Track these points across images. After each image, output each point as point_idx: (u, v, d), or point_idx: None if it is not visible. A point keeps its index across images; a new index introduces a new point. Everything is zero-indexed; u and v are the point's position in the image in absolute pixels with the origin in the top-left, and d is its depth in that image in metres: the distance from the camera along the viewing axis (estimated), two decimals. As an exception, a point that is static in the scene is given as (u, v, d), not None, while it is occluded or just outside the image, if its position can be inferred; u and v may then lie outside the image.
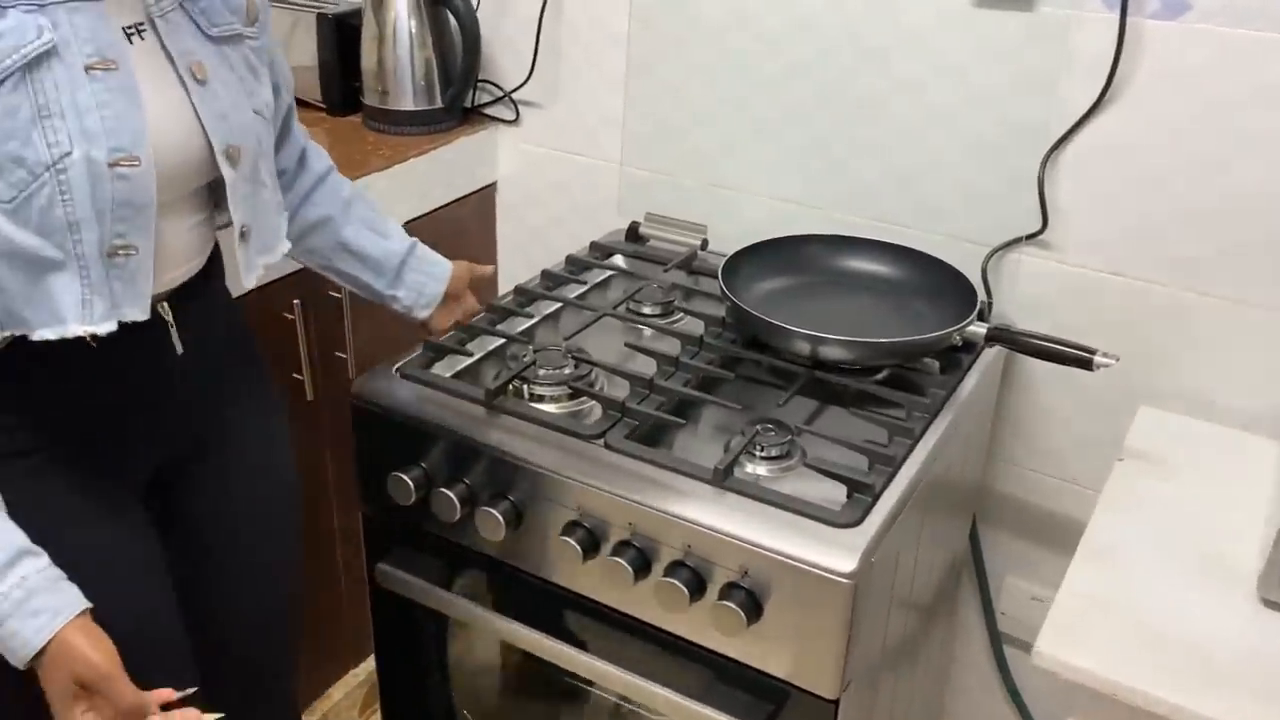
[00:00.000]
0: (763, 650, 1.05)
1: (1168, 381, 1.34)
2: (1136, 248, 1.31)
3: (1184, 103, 1.22)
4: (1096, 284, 1.35)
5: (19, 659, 0.86)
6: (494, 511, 1.13)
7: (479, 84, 1.74)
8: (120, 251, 0.88)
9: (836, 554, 0.98)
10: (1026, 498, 1.51)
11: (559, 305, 1.44)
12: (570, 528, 1.11)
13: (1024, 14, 1.28)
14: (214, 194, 1.03)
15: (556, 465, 1.11)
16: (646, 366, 1.27)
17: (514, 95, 1.72)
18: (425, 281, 1.26)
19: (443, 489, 1.16)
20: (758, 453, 1.12)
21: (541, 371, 1.24)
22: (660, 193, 1.63)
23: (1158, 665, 0.96)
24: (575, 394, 1.23)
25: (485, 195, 1.80)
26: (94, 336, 0.89)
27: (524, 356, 1.26)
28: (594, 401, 1.22)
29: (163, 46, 0.92)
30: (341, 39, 1.69)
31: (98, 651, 0.86)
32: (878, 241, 1.41)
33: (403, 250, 1.24)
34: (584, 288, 1.50)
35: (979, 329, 1.23)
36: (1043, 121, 1.31)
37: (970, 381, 1.28)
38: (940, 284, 1.35)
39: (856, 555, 0.98)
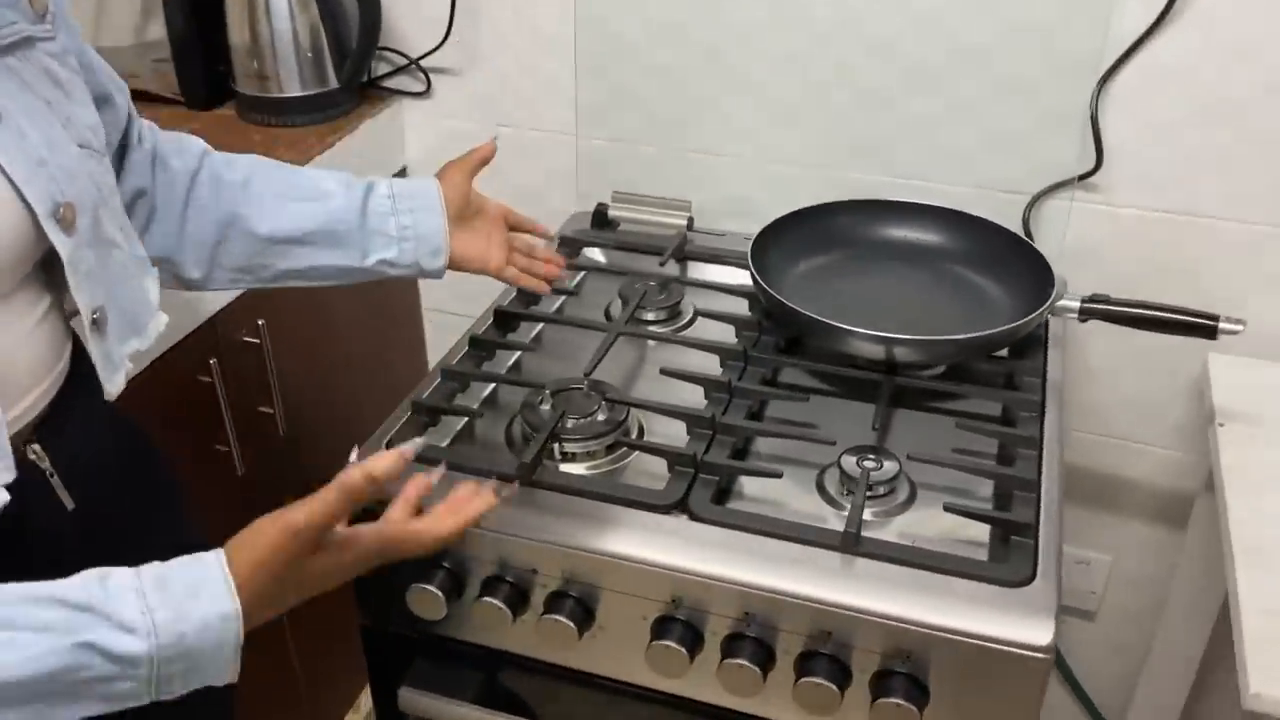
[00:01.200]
0: (931, 744, 0.87)
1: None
2: (1198, 183, 1.16)
3: (1253, 18, 1.07)
4: (1153, 226, 1.20)
5: (234, 633, 0.63)
6: (560, 618, 0.90)
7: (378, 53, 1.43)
8: None
9: (1027, 624, 0.80)
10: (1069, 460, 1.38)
11: (539, 326, 1.19)
12: (664, 625, 0.89)
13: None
14: (50, 271, 0.73)
15: (632, 549, 0.88)
16: (685, 395, 1.04)
17: (422, 63, 1.41)
18: (412, 221, 0.94)
19: (488, 599, 0.91)
20: (869, 495, 0.93)
21: (570, 424, 0.99)
22: (626, 166, 1.38)
23: (1387, 687, 0.83)
24: (614, 447, 1.00)
25: (396, 185, 1.50)
26: None
27: (541, 405, 1.01)
28: (635, 453, 0.99)
29: None
30: (200, 11, 1.33)
31: (272, 528, 0.66)
32: (914, 204, 1.22)
33: (356, 199, 0.93)
34: (559, 299, 1.25)
35: (1072, 303, 1.06)
36: (1094, 50, 1.13)
37: (1054, 361, 1.12)
38: (994, 248, 1.17)
39: (1050, 622, 0.80)
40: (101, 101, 0.82)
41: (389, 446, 0.99)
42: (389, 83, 1.44)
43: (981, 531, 0.92)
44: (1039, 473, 0.94)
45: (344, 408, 1.45)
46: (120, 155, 0.87)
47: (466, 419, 1.05)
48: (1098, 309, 1.06)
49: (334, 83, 1.37)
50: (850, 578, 0.85)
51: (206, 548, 0.65)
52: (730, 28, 1.26)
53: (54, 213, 0.67)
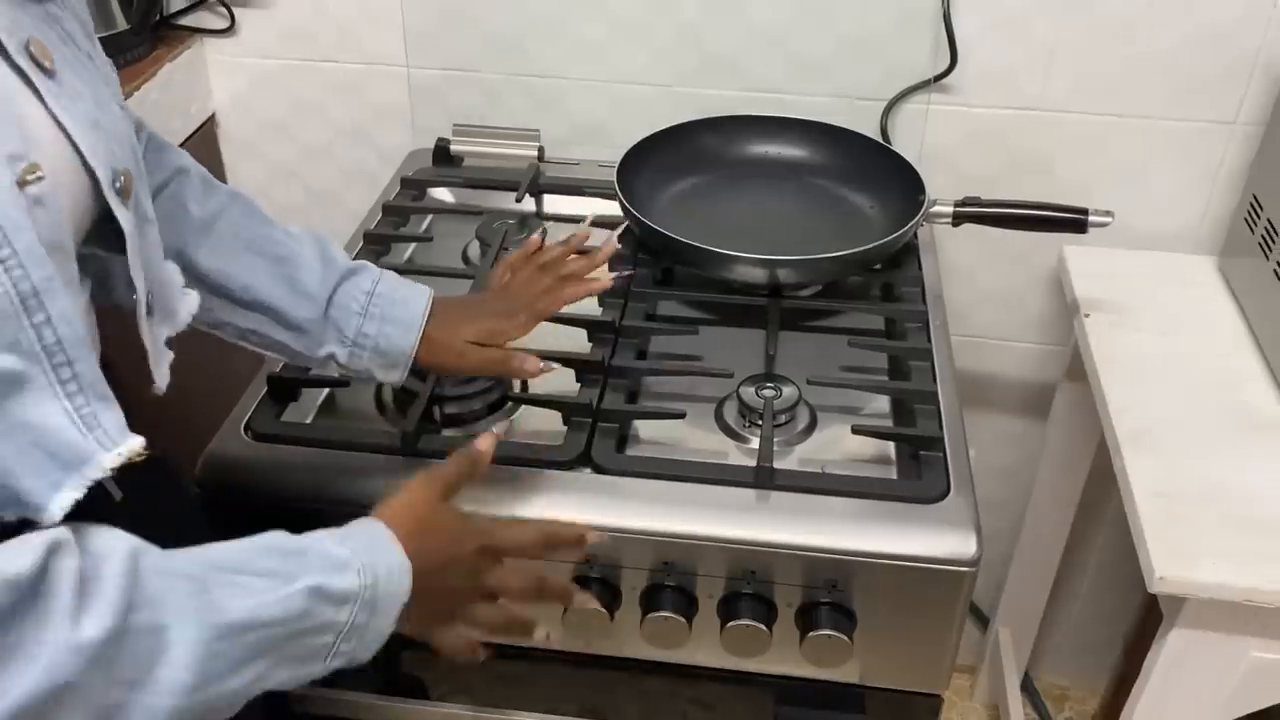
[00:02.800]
0: (860, 667, 0.85)
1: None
2: (1048, 76, 1.17)
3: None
4: (1006, 123, 1.20)
5: (407, 586, 0.63)
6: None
7: (167, -14, 1.26)
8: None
9: (951, 538, 0.80)
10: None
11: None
12: (579, 586, 0.83)
13: None
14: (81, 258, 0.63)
15: (539, 511, 0.82)
16: (570, 342, 0.98)
17: (222, -5, 1.26)
18: (375, 333, 0.80)
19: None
20: (777, 426, 0.90)
21: (449, 384, 0.92)
22: (464, 96, 1.28)
23: (1275, 553, 0.87)
24: (498, 404, 0.93)
25: (204, 136, 1.35)
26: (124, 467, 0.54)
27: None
28: (520, 408, 0.93)
29: None
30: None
31: None
32: (775, 119, 1.18)
33: (329, 280, 0.80)
34: (409, 247, 1.15)
35: (945, 209, 1.05)
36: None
37: (928, 267, 1.11)
38: (858, 158, 1.15)
39: (972, 534, 0.80)
40: None
41: (249, 434, 0.89)
42: (186, 20, 1.28)
43: (887, 449, 0.90)
44: (935, 383, 0.93)
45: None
46: None
47: (328, 390, 0.96)
48: (971, 212, 1.05)
49: (122, 23, 1.21)
50: (767, 513, 0.82)
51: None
52: (565, -61, 1.17)
53: (114, 181, 0.59)
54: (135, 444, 0.55)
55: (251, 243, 0.79)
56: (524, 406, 0.93)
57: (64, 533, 0.51)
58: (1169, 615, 0.92)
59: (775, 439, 0.88)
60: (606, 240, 0.91)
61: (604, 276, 0.87)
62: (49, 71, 0.55)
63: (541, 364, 0.81)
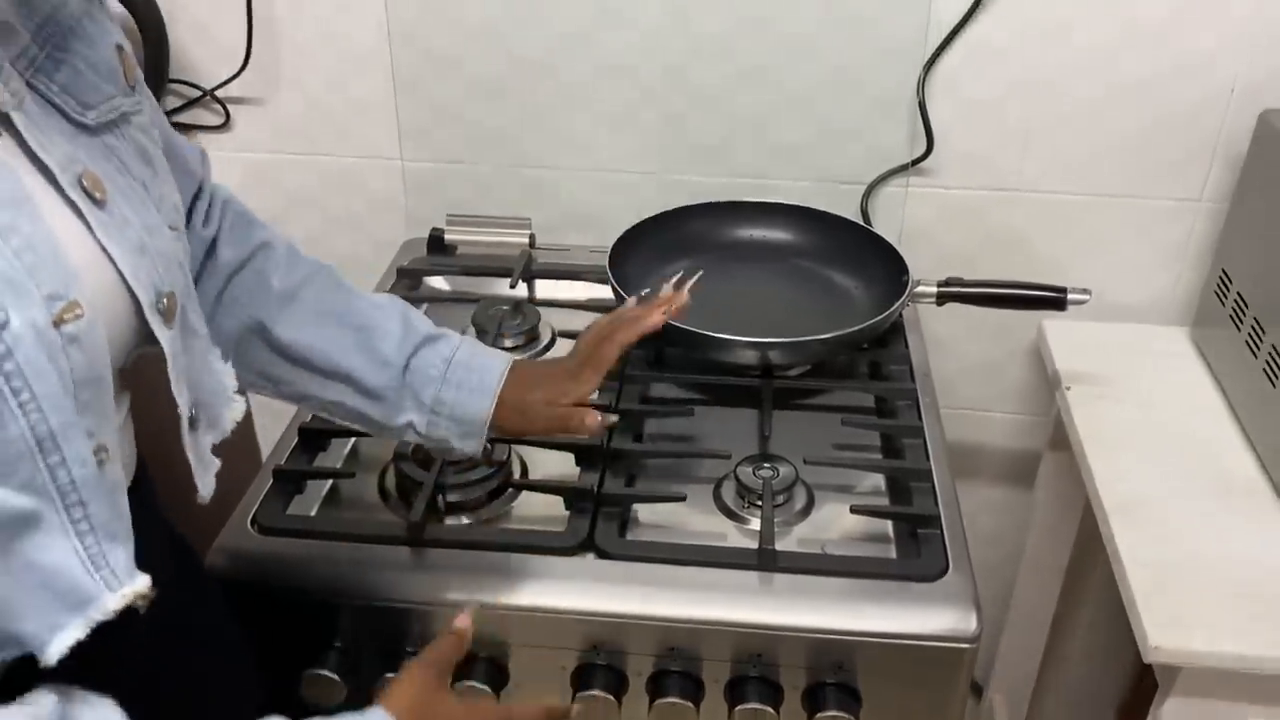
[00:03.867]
0: (865, 745, 0.86)
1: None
2: (1021, 157, 1.22)
3: (1060, 1, 1.12)
4: (982, 203, 1.25)
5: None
6: (474, 684, 0.84)
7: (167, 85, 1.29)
8: (99, 456, 0.55)
9: (952, 616, 0.81)
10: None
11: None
12: (586, 674, 0.84)
13: (881, -82, 1.11)
14: (124, 374, 0.65)
15: (545, 598, 0.83)
16: (568, 424, 1.00)
17: (218, 93, 1.29)
18: (453, 400, 0.80)
19: (390, 676, 0.84)
20: (776, 507, 0.92)
21: (451, 472, 0.93)
22: (457, 187, 1.32)
23: (1266, 619, 0.89)
24: (498, 491, 0.94)
25: (199, 227, 1.37)
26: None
27: (413, 454, 0.94)
28: (520, 494, 0.94)
29: (27, 152, 0.55)
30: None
31: None
32: (760, 204, 1.22)
33: (406, 348, 0.81)
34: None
35: (929, 289, 1.09)
36: (917, 37, 1.16)
37: (914, 345, 1.14)
38: (842, 240, 1.19)
39: (972, 611, 0.82)
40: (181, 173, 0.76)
41: (254, 528, 0.90)
42: (181, 117, 1.31)
43: (885, 527, 0.92)
44: (929, 461, 0.96)
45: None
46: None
47: (332, 481, 0.97)
48: (954, 292, 1.08)
49: (119, 121, 1.24)
50: (770, 595, 0.84)
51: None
52: (553, 36, 1.21)
53: (156, 303, 0.61)
54: (141, 585, 0.56)
55: (332, 313, 0.81)
56: (526, 492, 0.95)
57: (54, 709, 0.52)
58: (1164, 684, 0.93)
59: (774, 519, 0.90)
60: (665, 287, 0.92)
61: (654, 315, 0.87)
62: (100, 202, 0.57)
63: (601, 417, 0.83)
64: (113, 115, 0.61)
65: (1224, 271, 1.16)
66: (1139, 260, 1.26)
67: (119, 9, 1.18)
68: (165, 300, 0.61)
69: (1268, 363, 1.04)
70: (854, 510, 0.90)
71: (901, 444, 0.99)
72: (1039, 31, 1.14)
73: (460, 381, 0.80)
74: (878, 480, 0.98)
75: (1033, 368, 1.34)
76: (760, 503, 0.90)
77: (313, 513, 0.94)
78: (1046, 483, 1.35)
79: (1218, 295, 1.17)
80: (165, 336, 0.61)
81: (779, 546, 0.86)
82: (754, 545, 0.86)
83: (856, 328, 1.03)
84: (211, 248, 0.80)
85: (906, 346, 1.13)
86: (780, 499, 0.93)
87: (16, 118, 0.54)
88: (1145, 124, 1.17)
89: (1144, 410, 1.13)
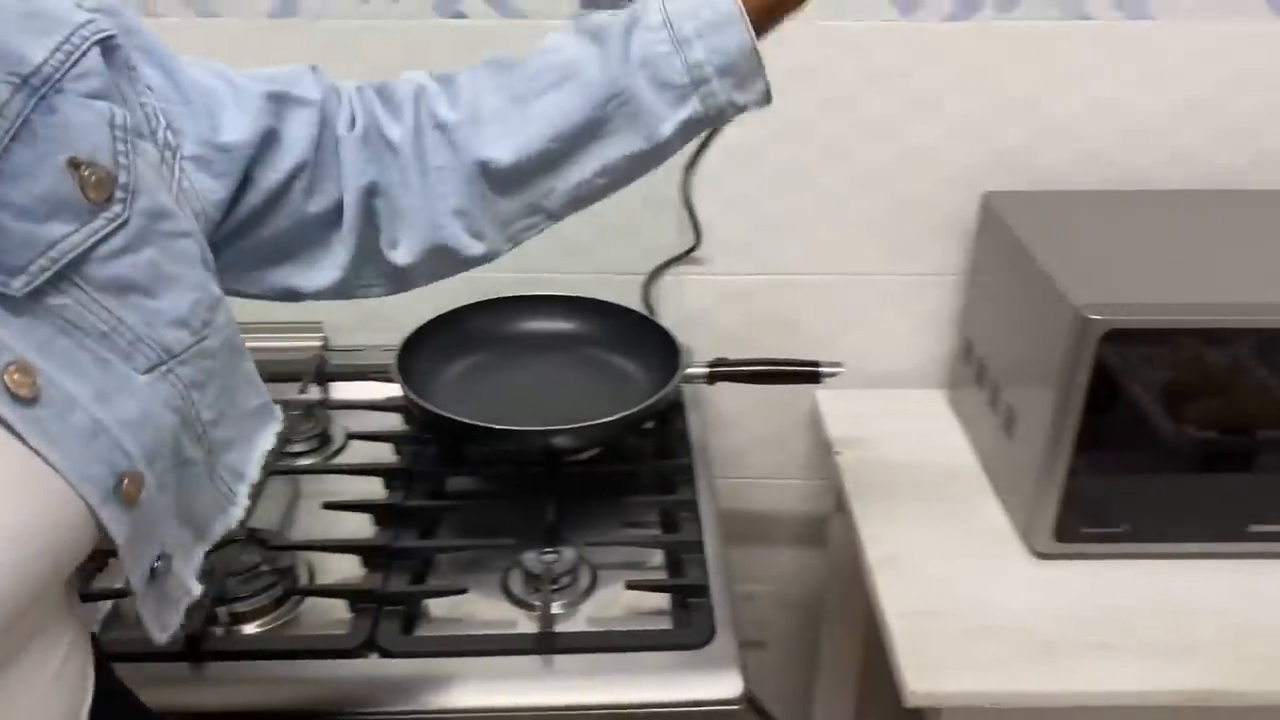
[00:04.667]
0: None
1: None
2: (780, 242, 1.32)
3: (805, 97, 1.24)
4: (751, 286, 1.34)
5: None
6: (259, 794, 0.84)
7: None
8: None
9: (716, 681, 0.87)
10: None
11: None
12: (375, 773, 0.86)
13: (634, 31, 1.20)
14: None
15: (325, 703, 0.85)
16: (356, 528, 1.02)
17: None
18: (705, 54, 0.67)
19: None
20: (554, 589, 0.95)
21: (233, 582, 0.94)
22: (245, 296, 1.33)
23: (1021, 656, 0.97)
24: (284, 598, 0.95)
25: None
26: None
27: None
28: (312, 599, 0.95)
29: None
30: None
31: None
32: (545, 296, 1.27)
33: (614, 54, 0.68)
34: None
35: (699, 370, 1.16)
36: (677, 139, 1.25)
37: (694, 422, 1.21)
38: (623, 327, 1.25)
39: (736, 673, 0.87)
40: (263, 150, 0.65)
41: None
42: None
43: (665, 600, 0.97)
44: (701, 533, 1.02)
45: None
46: (323, 163, 0.68)
47: (113, 601, 0.95)
48: (721, 371, 1.16)
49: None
50: (551, 677, 0.87)
51: None
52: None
53: (114, 490, 0.51)
54: None
55: (523, 93, 0.69)
56: (310, 598, 0.96)
57: None
58: (931, 726, 1.01)
59: (559, 602, 0.94)
60: None
61: None
62: (30, 401, 0.47)
63: None
64: (53, 270, 0.49)
65: (968, 339, 1.28)
66: (897, 331, 1.37)
67: None
68: (127, 482, 0.51)
69: (1005, 418, 1.15)
70: (629, 586, 0.95)
71: (678, 518, 1.04)
72: (785, 132, 1.25)
73: (697, 30, 0.67)
74: (661, 554, 1.03)
75: (816, 435, 1.43)
76: (543, 588, 0.94)
77: (95, 631, 0.92)
78: (836, 543, 1.43)
79: (963, 360, 1.29)
80: (123, 523, 0.51)
81: (566, 628, 0.90)
82: (537, 630, 0.89)
83: (633, 410, 1.09)
84: (369, 139, 0.69)
85: (686, 424, 1.20)
86: (564, 581, 0.97)
87: None
88: (887, 208, 1.29)
89: (906, 469, 1.23)
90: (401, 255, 0.72)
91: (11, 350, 0.47)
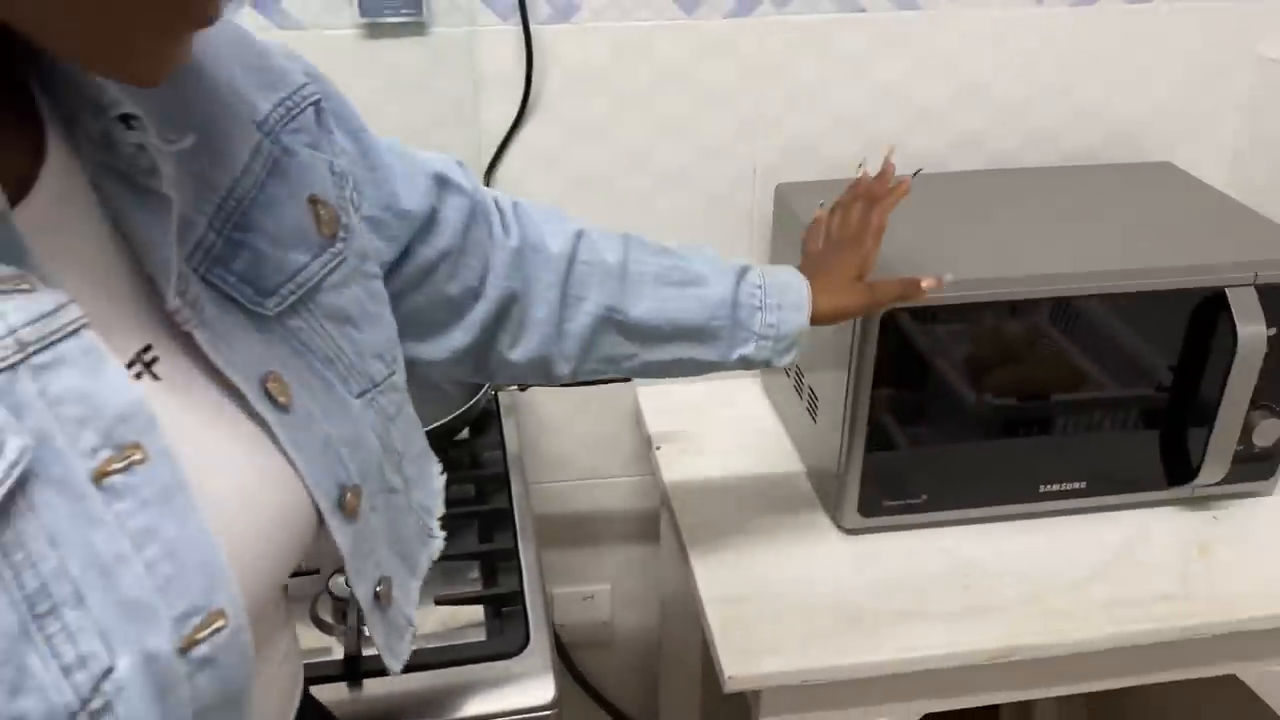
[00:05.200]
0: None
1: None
2: (590, 245, 1.32)
3: (598, 98, 1.24)
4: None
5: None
6: None
7: None
8: None
9: (530, 688, 0.87)
10: (544, 510, 1.49)
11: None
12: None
13: (420, 38, 1.19)
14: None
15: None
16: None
17: None
18: (777, 320, 0.86)
19: None
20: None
21: None
22: None
23: (833, 632, 1.00)
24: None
25: None
26: None
27: None
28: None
29: (207, 370, 0.50)
30: None
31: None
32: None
33: (729, 288, 0.85)
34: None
35: (510, 378, 1.15)
36: (472, 145, 1.24)
37: (509, 430, 1.20)
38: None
39: (549, 679, 0.87)
40: (425, 226, 0.72)
41: None
42: None
43: (479, 612, 0.96)
44: (515, 542, 1.01)
45: None
46: (471, 270, 0.76)
47: None
48: (534, 378, 1.16)
49: None
50: (364, 703, 0.85)
51: None
52: None
53: (340, 501, 0.56)
54: None
55: (663, 275, 0.83)
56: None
57: None
58: (754, 708, 1.03)
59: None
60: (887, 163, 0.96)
61: (902, 186, 0.94)
62: (284, 407, 0.52)
63: (936, 279, 0.90)
64: (297, 295, 0.55)
65: (775, 326, 1.31)
66: (710, 324, 1.39)
67: None
68: (349, 495, 0.56)
69: (809, 402, 1.18)
70: (439, 601, 0.94)
71: (493, 528, 1.03)
72: (583, 134, 1.25)
73: (779, 302, 0.86)
74: (477, 566, 1.02)
75: (639, 433, 1.44)
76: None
77: None
78: (667, 537, 1.45)
79: (772, 348, 1.32)
80: (346, 534, 0.56)
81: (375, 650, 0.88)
82: (343, 656, 0.87)
83: (442, 421, 1.08)
84: (526, 249, 0.78)
85: (501, 433, 1.19)
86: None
87: (199, 335, 0.49)
88: (690, 205, 1.31)
89: (724, 458, 1.25)
90: (516, 354, 0.81)
91: (267, 363, 0.53)
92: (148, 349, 0.48)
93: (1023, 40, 1.28)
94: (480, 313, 0.77)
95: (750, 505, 1.17)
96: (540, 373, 0.84)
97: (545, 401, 1.37)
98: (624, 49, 1.22)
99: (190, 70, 0.53)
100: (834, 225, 0.94)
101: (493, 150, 1.24)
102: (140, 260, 0.49)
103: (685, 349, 0.86)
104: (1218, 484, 1.12)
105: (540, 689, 0.86)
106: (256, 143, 0.55)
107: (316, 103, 0.61)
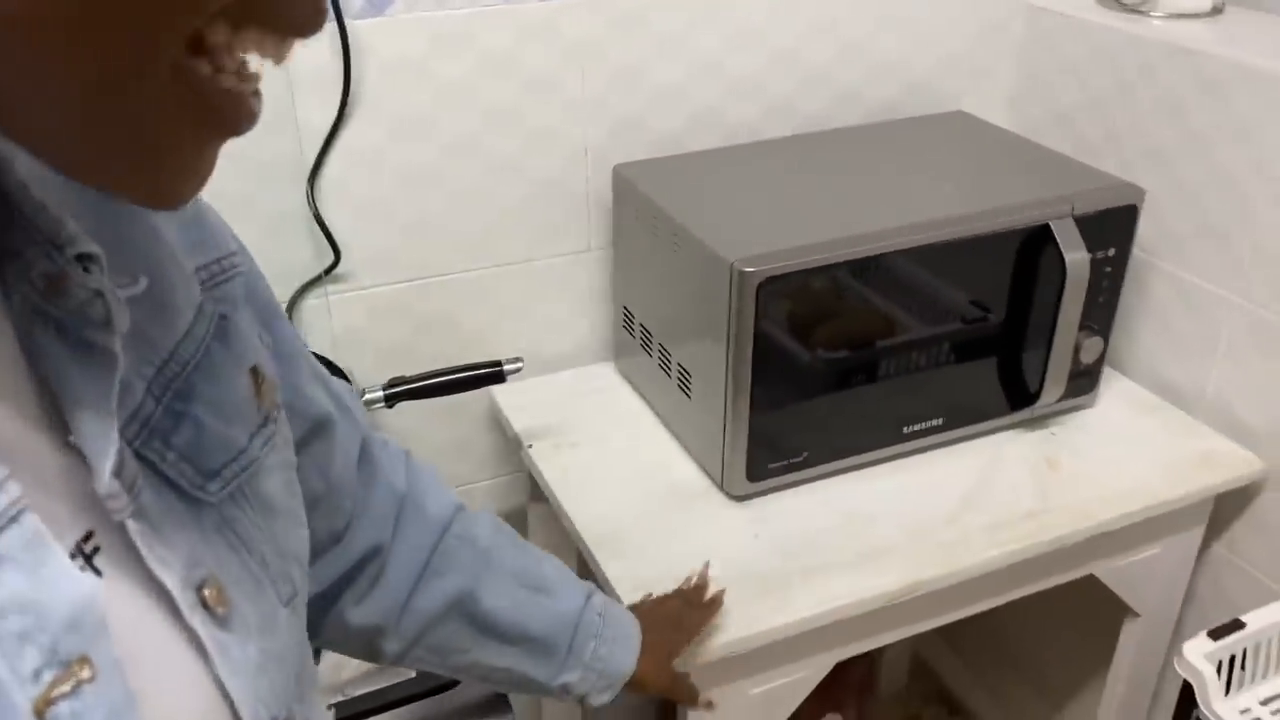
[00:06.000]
0: None
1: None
2: (422, 246, 1.27)
3: (420, 91, 1.19)
4: (402, 296, 1.28)
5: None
6: None
7: None
8: None
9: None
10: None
11: None
12: None
13: (221, 43, 1.09)
14: None
15: None
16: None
17: None
18: (608, 654, 0.83)
19: None
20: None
21: None
22: None
23: (742, 600, 1.01)
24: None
25: None
26: None
27: None
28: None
29: (143, 569, 0.41)
30: None
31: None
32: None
33: (575, 607, 0.81)
34: None
35: (376, 394, 1.09)
36: (293, 152, 1.16)
37: (376, 450, 1.14)
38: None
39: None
40: (315, 431, 0.64)
41: None
42: None
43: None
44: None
45: None
46: (346, 491, 0.68)
47: None
48: (401, 391, 1.10)
49: None
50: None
51: None
52: None
53: None
54: None
55: (524, 575, 0.78)
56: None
57: None
58: (678, 688, 1.03)
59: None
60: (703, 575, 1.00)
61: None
62: (222, 619, 0.43)
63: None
64: (240, 479, 0.47)
65: (625, 308, 1.30)
66: (556, 314, 1.37)
67: None
68: None
69: (679, 379, 1.19)
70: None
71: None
72: (405, 131, 1.20)
73: (614, 635, 0.82)
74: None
75: (497, 434, 1.41)
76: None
77: None
78: (538, 535, 1.42)
79: (625, 329, 1.31)
80: None
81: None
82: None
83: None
84: (407, 505, 0.72)
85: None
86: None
87: (132, 526, 0.40)
88: (523, 194, 1.28)
89: (597, 446, 1.24)
90: (356, 616, 0.72)
91: (204, 564, 0.43)
92: (88, 537, 0.39)
93: (823, 8, 1.33)
94: (339, 560, 0.70)
95: (637, 489, 1.17)
96: (364, 645, 0.76)
97: (395, 416, 1.31)
98: (442, 39, 1.17)
99: (131, 208, 0.45)
100: (661, 606, 0.96)
101: (315, 153, 1.17)
102: (69, 428, 0.40)
103: (518, 659, 0.80)
104: (1055, 403, 1.22)
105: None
106: (200, 302, 0.48)
107: (245, 275, 0.55)
